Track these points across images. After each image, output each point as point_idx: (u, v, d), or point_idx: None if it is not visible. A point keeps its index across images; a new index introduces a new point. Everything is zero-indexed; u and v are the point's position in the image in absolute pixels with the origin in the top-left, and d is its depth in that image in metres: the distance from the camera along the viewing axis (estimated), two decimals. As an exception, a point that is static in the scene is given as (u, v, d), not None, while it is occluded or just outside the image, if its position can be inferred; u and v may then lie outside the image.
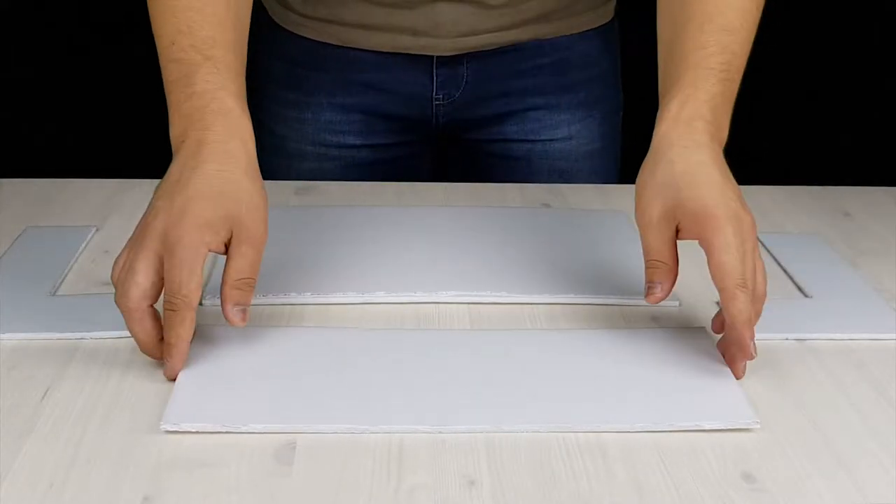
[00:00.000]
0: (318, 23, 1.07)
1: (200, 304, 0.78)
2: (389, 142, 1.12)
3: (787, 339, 0.76)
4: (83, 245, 0.88)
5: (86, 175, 1.03)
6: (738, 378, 0.69)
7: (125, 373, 0.69)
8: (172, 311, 0.66)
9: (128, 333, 0.72)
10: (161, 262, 0.66)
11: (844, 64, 1.81)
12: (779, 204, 1.02)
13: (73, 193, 0.99)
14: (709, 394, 0.68)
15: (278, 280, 0.81)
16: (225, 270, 0.68)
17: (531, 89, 1.10)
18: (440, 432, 0.63)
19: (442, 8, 1.02)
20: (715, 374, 0.70)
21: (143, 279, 0.66)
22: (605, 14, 1.12)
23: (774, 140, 1.81)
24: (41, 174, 1.03)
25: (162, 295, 0.67)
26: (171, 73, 0.74)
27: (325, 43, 1.07)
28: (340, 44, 1.07)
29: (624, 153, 1.18)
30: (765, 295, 0.70)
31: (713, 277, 0.68)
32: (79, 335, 0.73)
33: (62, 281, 0.82)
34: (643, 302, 0.79)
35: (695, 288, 0.81)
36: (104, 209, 0.96)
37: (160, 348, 0.68)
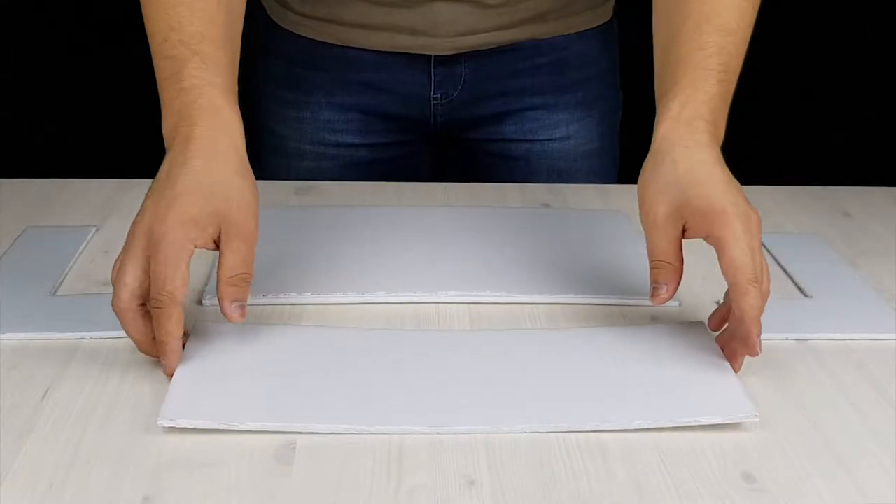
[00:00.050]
0: (316, 22, 1.07)
1: (200, 303, 0.78)
2: (388, 141, 1.12)
3: (787, 339, 0.76)
4: (83, 245, 0.88)
5: (86, 175, 1.03)
6: (735, 372, 0.69)
7: (125, 373, 0.69)
8: (158, 308, 0.65)
9: (127, 333, 0.73)
10: (149, 261, 0.67)
11: (843, 63, 1.81)
12: (779, 204, 1.02)
13: (73, 193, 0.99)
14: (708, 389, 0.68)
15: (278, 280, 0.81)
16: (218, 268, 0.68)
17: (529, 89, 1.10)
18: (438, 433, 0.63)
19: (440, 7, 1.02)
20: (715, 369, 0.70)
21: (130, 279, 0.66)
22: (604, 14, 1.12)
23: (773, 140, 1.81)
24: (41, 174, 1.03)
25: None
26: (162, 70, 0.74)
27: (323, 42, 1.07)
28: (339, 43, 1.07)
29: (623, 153, 1.18)
30: (769, 292, 0.70)
31: (725, 273, 0.68)
32: (79, 335, 0.73)
33: (62, 281, 0.82)
34: (643, 302, 0.79)
35: (694, 288, 0.81)
36: (104, 209, 0.96)
37: (156, 347, 0.68)
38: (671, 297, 0.71)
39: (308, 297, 0.79)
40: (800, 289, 0.84)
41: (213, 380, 0.67)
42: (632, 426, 0.64)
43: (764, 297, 0.69)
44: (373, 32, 1.05)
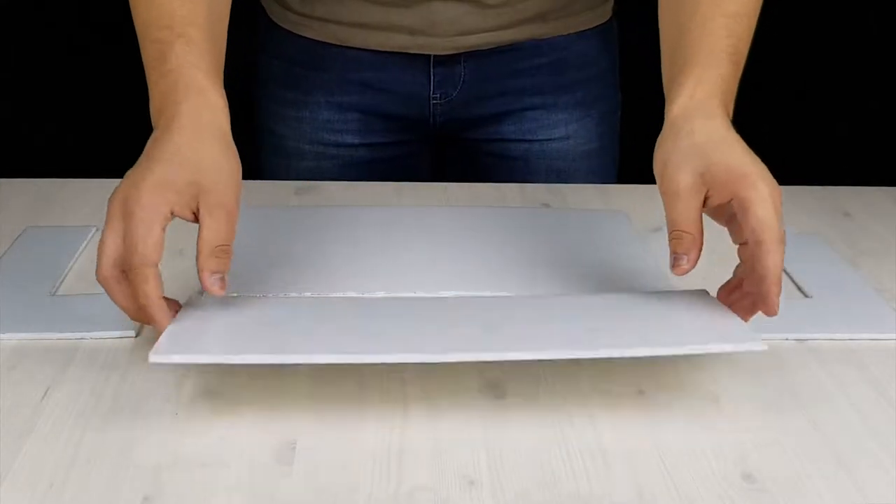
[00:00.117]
0: (315, 22, 1.07)
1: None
2: (387, 141, 1.12)
3: (787, 339, 0.76)
4: (83, 245, 0.88)
5: (86, 175, 1.03)
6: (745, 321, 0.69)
7: (125, 373, 0.69)
8: (133, 271, 0.65)
9: (128, 333, 0.73)
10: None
11: (843, 62, 1.81)
12: (778, 204, 1.02)
13: (73, 193, 0.99)
14: (714, 324, 0.68)
15: (278, 280, 0.81)
16: (198, 240, 0.67)
17: (529, 89, 1.10)
18: (441, 360, 0.63)
19: (438, 7, 1.02)
20: (720, 311, 0.70)
21: (110, 248, 0.66)
22: (604, 14, 1.12)
23: (773, 139, 1.81)
24: (41, 174, 1.03)
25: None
26: (148, 54, 0.75)
27: (323, 42, 1.07)
28: (338, 43, 1.07)
29: (623, 153, 1.18)
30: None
31: (750, 232, 0.67)
32: (79, 335, 0.73)
33: (62, 281, 0.82)
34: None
35: (694, 288, 0.81)
36: (104, 209, 0.95)
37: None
38: (692, 268, 0.70)
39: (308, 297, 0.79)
40: (800, 289, 0.84)
41: (207, 323, 0.67)
42: (641, 353, 0.63)
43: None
44: (372, 32, 1.05)
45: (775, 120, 1.81)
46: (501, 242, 0.90)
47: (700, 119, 0.72)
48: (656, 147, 0.73)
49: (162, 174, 0.67)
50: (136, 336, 0.73)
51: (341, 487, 0.58)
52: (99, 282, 0.67)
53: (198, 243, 0.67)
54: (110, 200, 0.67)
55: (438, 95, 1.09)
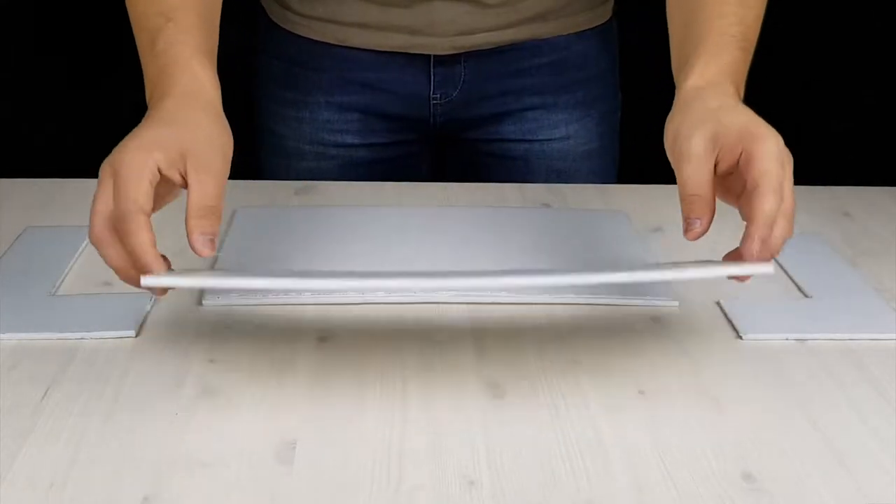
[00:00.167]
0: (315, 22, 1.07)
1: (200, 304, 0.78)
2: (387, 141, 1.12)
3: (787, 339, 0.76)
4: (83, 245, 0.88)
5: (86, 175, 1.03)
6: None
7: (125, 373, 0.69)
8: (124, 219, 0.64)
9: (128, 333, 0.73)
10: None
11: (844, 61, 1.81)
12: (778, 204, 1.02)
13: (73, 193, 0.99)
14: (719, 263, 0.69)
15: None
16: (187, 201, 0.66)
17: (529, 89, 1.10)
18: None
19: (438, 7, 1.02)
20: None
21: (101, 206, 0.65)
22: (604, 14, 1.12)
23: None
24: (41, 174, 1.03)
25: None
26: (141, 41, 0.76)
27: (322, 42, 1.07)
28: (338, 43, 1.07)
29: (623, 153, 1.18)
30: (793, 215, 0.68)
31: (751, 182, 0.66)
32: (79, 335, 0.73)
33: (62, 281, 0.82)
34: (643, 302, 0.79)
35: (694, 288, 0.81)
36: (104, 209, 0.96)
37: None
38: (705, 232, 0.68)
39: (308, 298, 0.79)
40: (800, 289, 0.84)
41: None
42: (646, 278, 0.68)
43: (789, 219, 0.67)
44: (372, 32, 1.05)
45: (775, 119, 1.80)
46: (501, 242, 0.90)
47: (712, 93, 0.72)
48: (667, 122, 0.73)
49: (147, 135, 0.68)
50: (136, 336, 0.73)
51: (341, 487, 0.58)
52: (92, 242, 0.66)
53: (187, 204, 0.66)
54: (102, 166, 0.67)
55: (438, 95, 1.09)
